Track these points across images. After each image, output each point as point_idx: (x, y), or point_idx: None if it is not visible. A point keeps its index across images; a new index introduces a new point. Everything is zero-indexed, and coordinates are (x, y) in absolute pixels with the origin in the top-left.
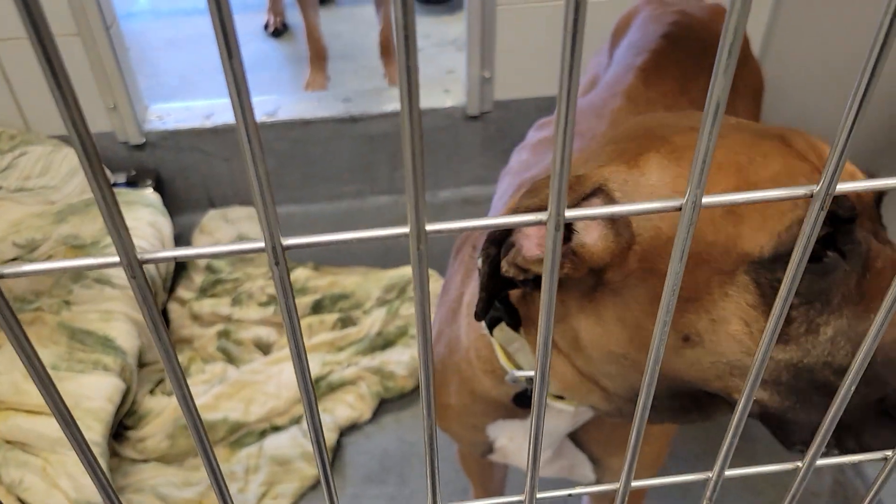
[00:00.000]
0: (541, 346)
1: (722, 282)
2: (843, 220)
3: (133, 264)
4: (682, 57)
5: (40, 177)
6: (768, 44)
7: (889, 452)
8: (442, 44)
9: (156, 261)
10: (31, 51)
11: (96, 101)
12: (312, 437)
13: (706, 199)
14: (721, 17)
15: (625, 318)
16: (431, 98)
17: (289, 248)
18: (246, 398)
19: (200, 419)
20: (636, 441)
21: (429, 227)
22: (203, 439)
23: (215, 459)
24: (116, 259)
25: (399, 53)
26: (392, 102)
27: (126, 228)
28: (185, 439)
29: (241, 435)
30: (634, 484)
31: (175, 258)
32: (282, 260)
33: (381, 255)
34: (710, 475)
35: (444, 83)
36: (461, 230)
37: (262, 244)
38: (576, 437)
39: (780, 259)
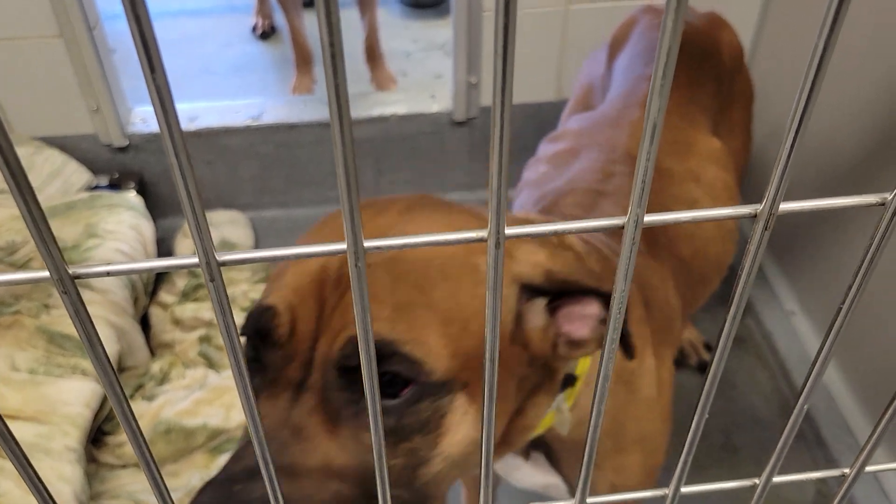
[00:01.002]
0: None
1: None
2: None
3: (64, 279)
4: (688, 65)
5: None
6: (755, 51)
7: (846, 469)
8: (430, 48)
9: (88, 275)
10: (14, 51)
11: (79, 103)
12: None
13: (647, 218)
14: (717, 24)
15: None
16: (418, 103)
17: (224, 264)
18: (226, 404)
19: (142, 434)
20: (589, 457)
21: (367, 244)
22: (145, 452)
23: (159, 474)
24: (47, 274)
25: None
26: (378, 107)
27: (56, 244)
28: (164, 444)
29: (221, 441)
30: (590, 500)
31: (108, 273)
32: (217, 277)
33: None
34: (667, 491)
35: (432, 88)
36: (400, 246)
37: (196, 260)
38: (551, 458)
39: None
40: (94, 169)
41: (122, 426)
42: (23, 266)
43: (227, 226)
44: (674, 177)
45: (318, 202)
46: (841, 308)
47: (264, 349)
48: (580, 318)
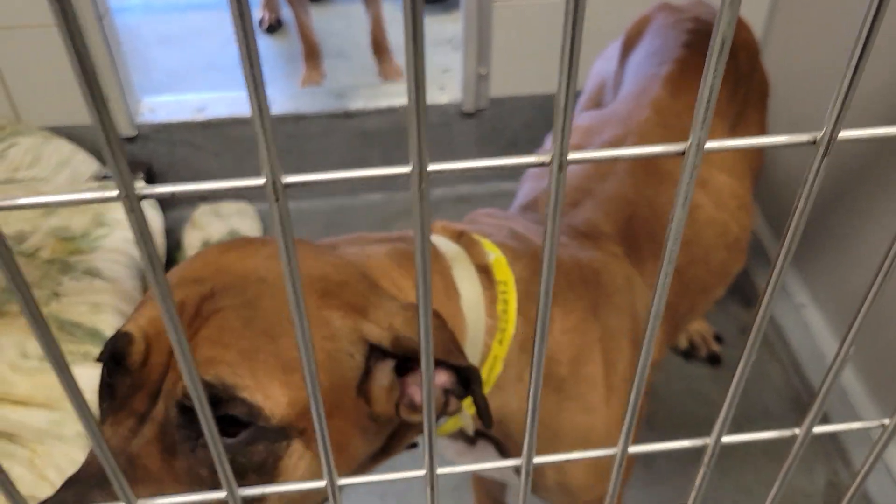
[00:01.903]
0: None
1: None
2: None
3: (131, 197)
4: (703, 65)
5: (30, 168)
6: (765, 46)
7: (886, 420)
8: (438, 42)
9: (153, 195)
10: (24, 41)
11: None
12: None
13: (709, 144)
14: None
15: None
16: (427, 94)
17: (289, 185)
18: None
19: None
20: (532, 413)
21: (431, 168)
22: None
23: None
24: (115, 193)
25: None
26: (386, 98)
27: (125, 162)
28: None
29: None
30: (537, 460)
31: (173, 193)
32: (282, 196)
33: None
34: (709, 441)
35: (440, 81)
36: (464, 170)
37: (262, 181)
38: (501, 450)
39: None
40: (103, 159)
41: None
42: (31, 255)
43: (235, 217)
44: (675, 180)
45: (326, 194)
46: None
47: (117, 374)
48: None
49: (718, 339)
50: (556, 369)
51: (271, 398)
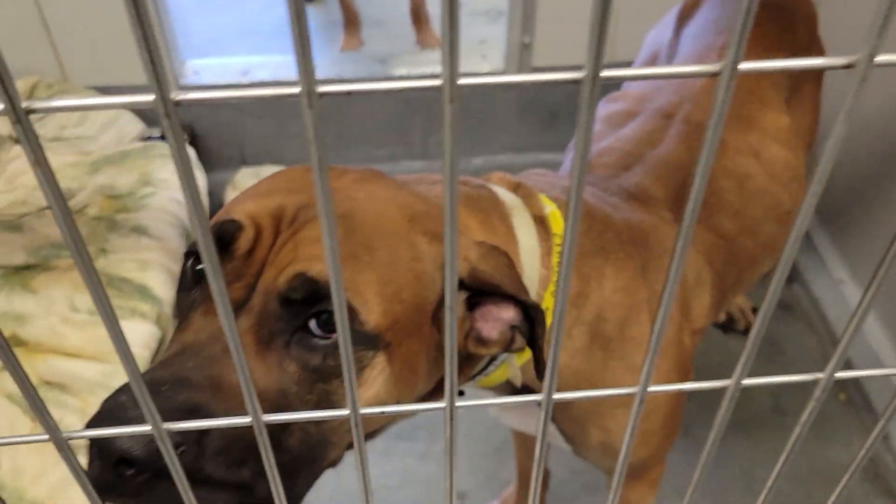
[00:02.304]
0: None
1: None
2: (224, 244)
3: (167, 104)
4: (763, 37)
5: (76, 127)
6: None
7: (820, 374)
8: (475, 13)
9: (189, 102)
10: (70, 1)
11: (134, 54)
12: (347, 385)
13: (743, 66)
14: None
15: None
16: (468, 63)
17: (324, 94)
18: None
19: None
20: (555, 355)
21: (461, 81)
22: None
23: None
24: (152, 97)
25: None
26: (428, 65)
27: (162, 65)
28: None
29: None
30: (556, 396)
31: (210, 99)
32: (316, 104)
33: None
34: (729, 383)
35: (481, 50)
36: (495, 84)
37: (297, 89)
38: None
39: None
40: (148, 120)
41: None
42: (78, 212)
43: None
44: (728, 149)
45: (366, 160)
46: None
47: (221, 262)
48: (494, 320)
49: (756, 311)
50: (604, 328)
51: (368, 304)
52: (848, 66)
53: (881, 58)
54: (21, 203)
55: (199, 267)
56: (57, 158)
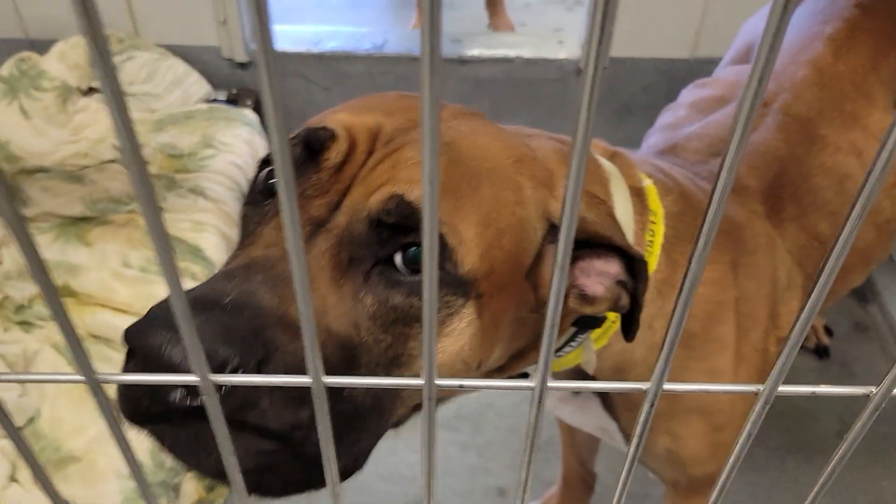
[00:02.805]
0: None
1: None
2: (313, 153)
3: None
4: (875, 29)
5: (144, 83)
6: None
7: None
8: (552, 1)
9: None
10: None
11: (207, 15)
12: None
13: None
14: None
15: None
16: (544, 48)
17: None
18: None
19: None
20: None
21: None
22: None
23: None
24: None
25: None
26: (503, 48)
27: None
28: None
29: None
30: (666, 387)
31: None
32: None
33: None
34: (762, 388)
35: (558, 36)
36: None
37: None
38: (606, 402)
39: None
40: (214, 82)
41: None
42: None
43: None
44: (828, 145)
45: None
46: None
47: (302, 171)
48: (598, 275)
49: (829, 331)
50: (688, 323)
51: (465, 244)
52: None
53: None
54: (84, 155)
55: (273, 181)
56: None
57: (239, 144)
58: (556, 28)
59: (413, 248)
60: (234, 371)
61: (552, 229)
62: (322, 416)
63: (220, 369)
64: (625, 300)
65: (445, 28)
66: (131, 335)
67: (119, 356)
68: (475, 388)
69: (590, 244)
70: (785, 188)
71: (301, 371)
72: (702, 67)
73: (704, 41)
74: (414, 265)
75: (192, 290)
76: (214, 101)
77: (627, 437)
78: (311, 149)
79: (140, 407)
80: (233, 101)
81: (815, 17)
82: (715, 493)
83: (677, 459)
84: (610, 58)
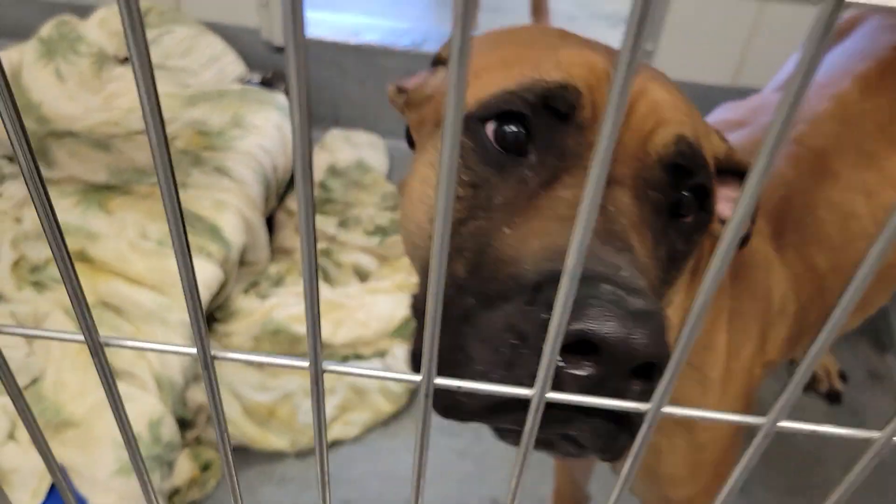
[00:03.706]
0: None
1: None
2: (559, 114)
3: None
4: None
5: (181, 58)
6: None
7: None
8: (596, 16)
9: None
10: None
11: None
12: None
13: None
14: None
15: None
16: None
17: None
18: (335, 320)
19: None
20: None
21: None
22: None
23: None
24: None
25: None
26: None
27: None
28: (269, 344)
29: (326, 354)
30: (665, 410)
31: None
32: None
33: None
34: (764, 421)
35: None
36: None
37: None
38: None
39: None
40: (250, 64)
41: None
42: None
43: (366, 148)
44: (839, 181)
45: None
46: None
47: (557, 132)
48: (726, 200)
49: (843, 377)
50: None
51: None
52: None
53: None
54: (114, 124)
55: (512, 132)
56: (157, 86)
57: (269, 128)
58: None
59: (693, 190)
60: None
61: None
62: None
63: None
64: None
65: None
66: (587, 323)
67: (127, 327)
68: (474, 391)
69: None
70: (789, 214)
71: None
72: (741, 95)
73: (747, 70)
74: (681, 210)
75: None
76: (249, 82)
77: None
78: (557, 109)
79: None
80: (267, 83)
81: (851, 58)
82: None
83: (655, 476)
84: None
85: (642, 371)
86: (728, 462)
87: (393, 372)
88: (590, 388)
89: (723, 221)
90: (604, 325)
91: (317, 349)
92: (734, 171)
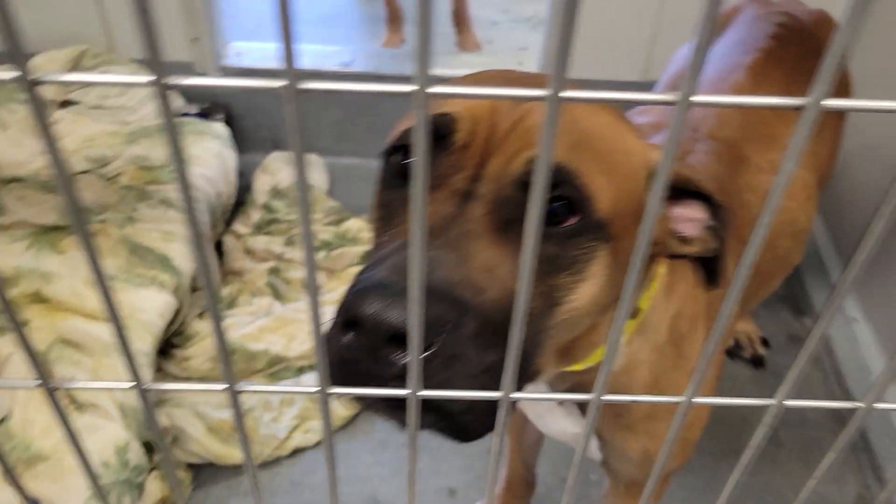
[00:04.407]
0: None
1: None
2: (440, 135)
3: (161, 87)
4: (788, 59)
5: (118, 97)
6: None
7: (860, 403)
8: (517, 20)
9: (183, 85)
10: None
11: (180, 32)
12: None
13: (827, 102)
14: (826, 24)
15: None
16: (504, 69)
17: (432, 96)
18: (288, 334)
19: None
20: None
21: (432, 90)
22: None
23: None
24: (146, 79)
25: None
26: (465, 68)
27: (158, 49)
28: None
29: (281, 368)
30: (696, 400)
31: (197, 85)
32: (423, 104)
33: None
34: (773, 402)
35: (518, 58)
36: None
37: (281, 83)
38: (584, 410)
39: None
40: (187, 96)
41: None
42: (111, 179)
43: (307, 167)
44: (751, 165)
45: (335, 151)
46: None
47: (436, 157)
48: (686, 220)
49: (765, 342)
50: (680, 324)
51: (598, 190)
52: (799, 108)
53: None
54: None
55: (408, 161)
56: (96, 126)
57: (208, 157)
58: (522, 47)
59: (556, 203)
60: (443, 327)
61: (650, 178)
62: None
63: (437, 328)
64: (713, 243)
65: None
66: (353, 305)
67: (88, 360)
68: (456, 398)
69: (680, 194)
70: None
71: (493, 321)
72: (645, 91)
73: (655, 66)
74: (555, 218)
75: (375, 267)
76: (187, 114)
77: (604, 442)
78: (438, 135)
79: (356, 369)
80: (204, 114)
81: (737, 49)
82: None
83: (650, 459)
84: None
85: (400, 340)
86: (698, 433)
87: None
88: (361, 353)
89: (683, 238)
90: (362, 307)
91: (229, 374)
92: (691, 192)
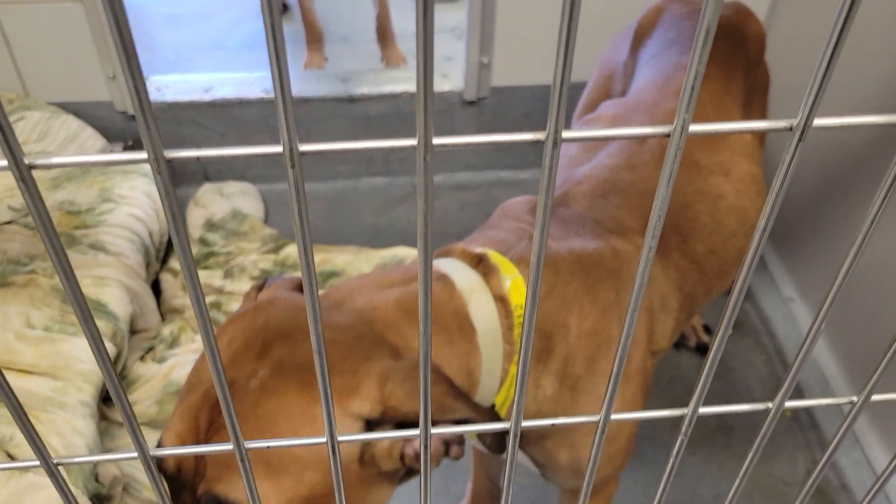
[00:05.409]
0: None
1: None
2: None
3: (160, 160)
4: (721, 55)
5: (38, 142)
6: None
7: (854, 397)
8: (441, 31)
9: (180, 158)
10: (34, 16)
11: (96, 70)
12: None
13: (693, 127)
14: (744, 14)
15: None
16: None
17: (304, 153)
18: None
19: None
20: (521, 384)
21: (436, 141)
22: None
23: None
24: (145, 155)
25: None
26: (389, 84)
27: (156, 126)
28: (172, 406)
29: None
30: (614, 416)
31: (198, 157)
32: (297, 164)
33: (373, 236)
34: (686, 411)
35: (443, 69)
36: (465, 144)
37: (279, 149)
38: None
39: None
40: (109, 136)
41: (125, 386)
42: (35, 228)
43: (239, 196)
44: (701, 170)
45: (328, 177)
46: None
47: (166, 478)
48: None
49: (708, 329)
50: (571, 370)
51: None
52: (789, 129)
53: (819, 121)
54: None
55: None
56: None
57: (137, 196)
58: (448, 57)
59: None
60: None
61: (367, 423)
62: None
63: None
64: (455, 451)
65: (339, 64)
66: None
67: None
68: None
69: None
70: (666, 220)
71: None
72: (575, 92)
73: (582, 67)
74: None
75: None
76: (111, 153)
77: (536, 461)
78: (161, 468)
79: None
80: (129, 151)
81: (672, 49)
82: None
83: (579, 469)
84: (492, 87)
85: None
86: (631, 441)
87: None
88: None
89: (418, 455)
90: None
91: (137, 437)
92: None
